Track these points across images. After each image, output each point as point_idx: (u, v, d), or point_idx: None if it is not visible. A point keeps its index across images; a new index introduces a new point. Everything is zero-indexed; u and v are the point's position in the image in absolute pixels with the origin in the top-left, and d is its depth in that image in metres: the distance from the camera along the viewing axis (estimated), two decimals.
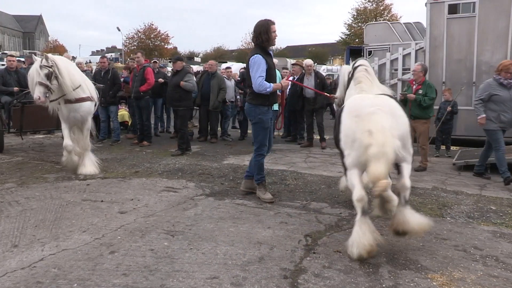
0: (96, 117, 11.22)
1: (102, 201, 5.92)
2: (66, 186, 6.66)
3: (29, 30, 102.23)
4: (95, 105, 7.99)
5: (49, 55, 7.23)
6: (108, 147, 10.35)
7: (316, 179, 7.31)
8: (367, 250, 3.94)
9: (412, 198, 6.18)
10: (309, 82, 10.68)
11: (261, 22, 5.79)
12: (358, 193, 4.17)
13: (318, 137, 11.00)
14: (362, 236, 4.00)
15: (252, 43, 6.23)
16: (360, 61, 5.35)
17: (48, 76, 6.79)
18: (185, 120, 9.81)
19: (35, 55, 9.47)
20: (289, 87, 9.65)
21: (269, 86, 5.67)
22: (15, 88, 9.66)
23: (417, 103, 8.18)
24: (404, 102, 8.30)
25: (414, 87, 8.43)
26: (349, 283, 3.64)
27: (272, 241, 4.53)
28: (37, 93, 6.71)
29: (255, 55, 5.68)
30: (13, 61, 10.19)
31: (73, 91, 7.21)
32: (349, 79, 5.34)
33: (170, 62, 11.80)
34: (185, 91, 9.49)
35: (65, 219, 5.17)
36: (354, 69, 5.22)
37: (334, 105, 14.02)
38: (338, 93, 5.92)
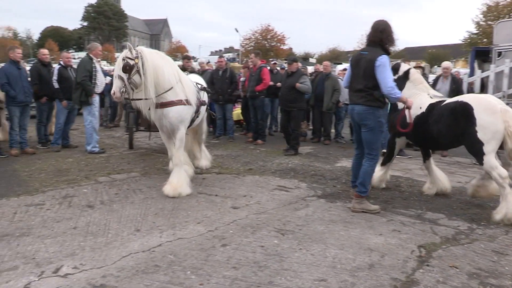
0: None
1: (216, 195, 6.15)
2: None
3: (156, 32, 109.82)
4: (197, 110, 6.80)
5: (139, 47, 6.14)
6: (224, 144, 10.72)
7: None
8: None
9: None
10: (443, 86, 9.81)
11: (385, 21, 5.57)
12: (503, 171, 5.32)
13: None
14: None
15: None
16: (404, 64, 6.47)
17: (127, 69, 5.80)
18: (299, 121, 9.84)
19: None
20: None
21: (399, 94, 5.44)
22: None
23: None
24: None
25: None
26: None
27: (384, 249, 4.38)
28: (114, 87, 5.88)
29: (383, 56, 5.35)
30: None
31: (158, 95, 6.07)
32: (399, 79, 6.18)
33: (285, 63, 11.90)
34: (299, 92, 9.51)
35: (181, 210, 5.45)
36: (407, 71, 6.38)
37: None
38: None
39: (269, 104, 11.95)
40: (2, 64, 10.57)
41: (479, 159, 5.52)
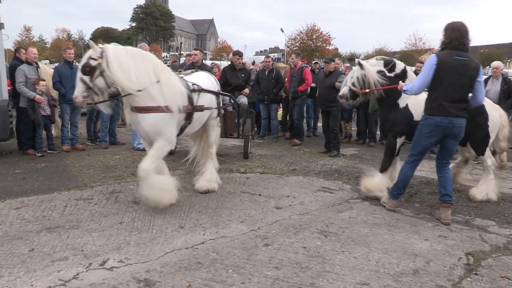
0: (257, 114, 11.78)
1: (259, 195, 6.16)
2: (227, 178, 7.07)
3: (202, 32, 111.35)
4: (188, 117, 5.73)
5: (105, 45, 5.08)
6: (268, 144, 10.73)
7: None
8: None
9: None
10: (493, 86, 9.49)
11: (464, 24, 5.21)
12: (494, 160, 6.42)
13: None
14: None
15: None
16: (397, 61, 6.28)
17: (87, 71, 4.88)
18: (338, 120, 9.78)
19: (206, 55, 9.93)
20: None
21: None
22: None
23: None
24: None
25: None
26: None
27: (429, 255, 4.27)
28: (75, 91, 4.98)
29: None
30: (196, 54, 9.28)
31: (127, 95, 5.11)
32: (394, 79, 6.02)
33: (324, 62, 11.81)
34: (338, 91, 9.38)
35: (224, 208, 5.50)
36: (404, 69, 6.17)
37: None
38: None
39: (311, 105, 11.90)
40: (57, 64, 10.95)
41: (483, 151, 6.28)
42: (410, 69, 6.51)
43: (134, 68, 5.02)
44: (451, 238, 4.75)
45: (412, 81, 6.09)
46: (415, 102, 6.00)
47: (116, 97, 5.30)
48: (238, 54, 9.91)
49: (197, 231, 4.70)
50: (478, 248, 4.51)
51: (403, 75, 6.13)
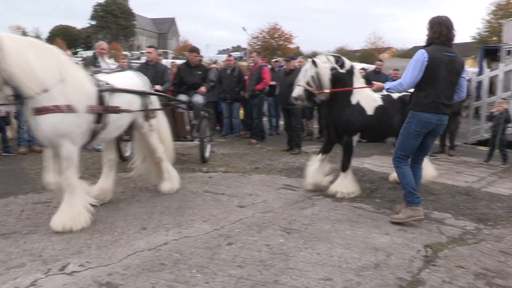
0: (220, 113, 11.77)
1: (222, 194, 6.15)
2: (190, 177, 7.03)
3: (163, 31, 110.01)
4: (100, 120, 4.96)
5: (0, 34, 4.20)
6: (231, 143, 10.74)
7: (440, 188, 6.90)
8: None
9: None
10: None
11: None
12: None
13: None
14: None
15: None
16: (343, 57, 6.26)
17: None
18: (299, 118, 9.90)
19: (167, 54, 9.62)
20: None
21: None
22: None
23: None
24: None
25: None
26: None
27: (389, 248, 4.36)
28: None
29: None
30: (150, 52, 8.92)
31: (36, 95, 4.35)
32: (346, 75, 6.06)
33: (283, 60, 11.88)
34: None
35: (187, 208, 5.47)
36: (352, 66, 6.19)
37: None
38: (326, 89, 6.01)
39: (273, 103, 11.97)
40: None
41: None
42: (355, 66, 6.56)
43: (36, 62, 4.30)
44: (410, 231, 4.87)
45: (358, 77, 6.24)
46: (365, 97, 6.11)
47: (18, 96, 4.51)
48: (195, 51, 9.13)
49: (160, 232, 4.65)
50: (435, 240, 4.64)
51: (352, 72, 6.14)
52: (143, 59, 14.46)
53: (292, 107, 9.43)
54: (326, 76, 5.94)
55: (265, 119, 12.79)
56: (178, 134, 7.78)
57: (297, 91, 6.08)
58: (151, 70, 8.17)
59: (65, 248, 4.16)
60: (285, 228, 4.86)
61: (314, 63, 5.97)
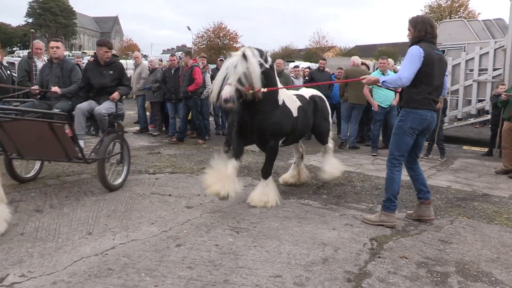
0: (166, 114, 11.64)
1: (170, 195, 6.08)
2: (136, 179, 6.91)
3: (106, 30, 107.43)
4: None
5: None
6: (177, 143, 10.62)
7: (383, 182, 7.06)
8: None
9: (485, 206, 5.92)
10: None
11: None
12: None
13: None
14: None
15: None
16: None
17: None
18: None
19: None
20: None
21: None
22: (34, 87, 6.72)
23: None
24: (504, 104, 8.29)
25: None
26: None
27: (337, 243, 4.46)
28: None
29: None
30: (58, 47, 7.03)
31: None
32: (271, 72, 5.54)
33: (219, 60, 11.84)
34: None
35: (134, 211, 5.37)
36: (273, 63, 5.74)
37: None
38: (258, 86, 5.28)
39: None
40: None
41: (326, 139, 6.80)
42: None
43: None
44: (356, 225, 5.00)
45: (277, 75, 5.96)
46: (288, 97, 5.91)
47: None
48: (105, 44, 6.79)
49: (107, 236, 4.54)
50: (380, 233, 4.80)
51: (273, 67, 5.73)
52: (85, 59, 14.00)
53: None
54: (257, 72, 5.22)
55: (212, 118, 12.77)
56: (66, 154, 5.66)
57: (227, 91, 5.05)
58: (56, 69, 6.63)
59: (3, 259, 3.95)
60: (233, 227, 4.87)
61: (244, 56, 5.15)
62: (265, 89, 5.33)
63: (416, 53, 4.73)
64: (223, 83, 5.17)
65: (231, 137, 8.23)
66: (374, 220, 5.08)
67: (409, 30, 5.03)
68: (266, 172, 5.83)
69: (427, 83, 4.80)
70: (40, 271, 3.71)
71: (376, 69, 11.49)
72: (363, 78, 5.19)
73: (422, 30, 4.88)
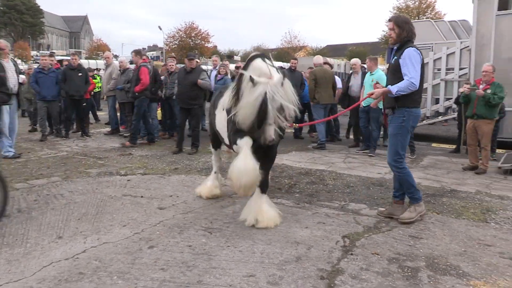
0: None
1: (142, 196, 6.02)
2: (107, 181, 6.81)
3: (75, 30, 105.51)
4: None
5: None
6: (148, 144, 10.52)
7: (355, 180, 7.22)
8: None
9: (453, 201, 6.05)
10: (355, 81, 10.57)
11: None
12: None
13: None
14: None
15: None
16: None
17: None
18: (199, 118, 9.90)
19: (80, 54, 8.75)
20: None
21: None
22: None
23: (484, 101, 7.91)
24: (467, 101, 8.37)
25: (481, 86, 8.17)
26: (386, 286, 3.57)
27: (310, 241, 4.49)
28: None
29: None
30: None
31: None
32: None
33: (186, 59, 11.62)
34: (200, 89, 9.33)
35: (106, 213, 5.29)
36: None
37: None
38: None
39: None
40: None
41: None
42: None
43: None
44: (329, 223, 5.04)
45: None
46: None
47: None
48: None
49: (77, 239, 4.46)
50: (353, 230, 4.85)
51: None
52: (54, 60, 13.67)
53: (193, 107, 9.27)
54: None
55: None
56: None
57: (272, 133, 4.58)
58: None
59: None
60: (206, 227, 4.85)
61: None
62: (297, 125, 5.33)
63: (416, 55, 4.89)
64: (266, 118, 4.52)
65: (197, 139, 8.89)
66: (412, 217, 5.10)
67: (392, 30, 5.12)
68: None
69: (421, 83, 4.97)
70: (7, 278, 3.62)
71: (351, 69, 11.64)
72: (372, 94, 5.15)
73: (410, 31, 5.03)
